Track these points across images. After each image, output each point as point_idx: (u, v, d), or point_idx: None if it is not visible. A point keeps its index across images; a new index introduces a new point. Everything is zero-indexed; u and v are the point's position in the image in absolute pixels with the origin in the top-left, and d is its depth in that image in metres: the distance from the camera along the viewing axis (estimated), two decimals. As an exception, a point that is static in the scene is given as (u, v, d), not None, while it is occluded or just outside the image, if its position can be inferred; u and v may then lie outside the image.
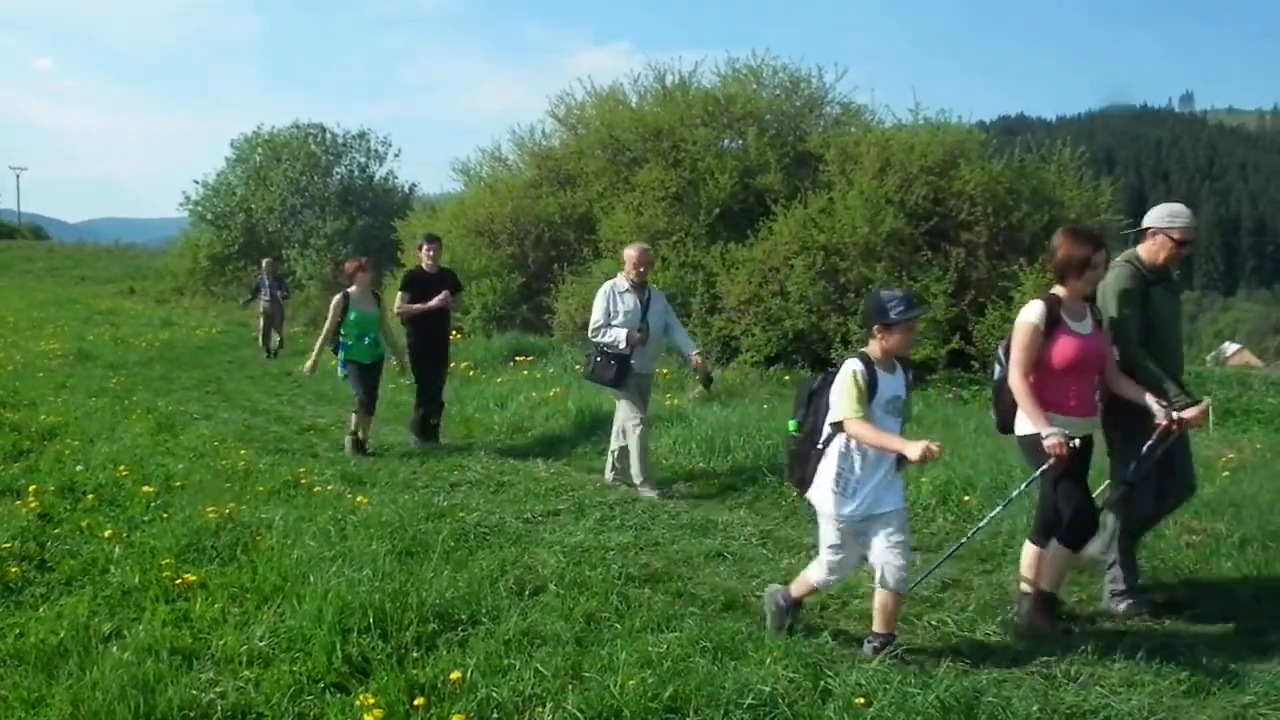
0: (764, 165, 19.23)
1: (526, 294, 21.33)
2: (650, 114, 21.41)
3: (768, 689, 4.63)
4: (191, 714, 4.47)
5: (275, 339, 21.58)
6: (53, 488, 8.29)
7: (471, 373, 16.00)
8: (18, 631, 5.32)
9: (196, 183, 37.00)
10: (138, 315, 29.51)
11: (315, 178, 34.75)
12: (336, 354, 11.11)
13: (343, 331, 10.96)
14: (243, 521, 7.36)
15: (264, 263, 22.89)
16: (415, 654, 5.05)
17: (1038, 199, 17.07)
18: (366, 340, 10.99)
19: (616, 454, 9.43)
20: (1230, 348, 67.66)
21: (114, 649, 5.05)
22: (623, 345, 9.04)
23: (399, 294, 11.32)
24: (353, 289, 11.07)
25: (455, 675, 4.71)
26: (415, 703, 4.47)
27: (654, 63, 33.73)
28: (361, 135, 36.17)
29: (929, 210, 16.81)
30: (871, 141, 18.05)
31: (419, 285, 11.31)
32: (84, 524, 7.28)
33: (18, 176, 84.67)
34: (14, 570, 6.20)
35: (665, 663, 4.88)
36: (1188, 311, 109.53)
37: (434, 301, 11.08)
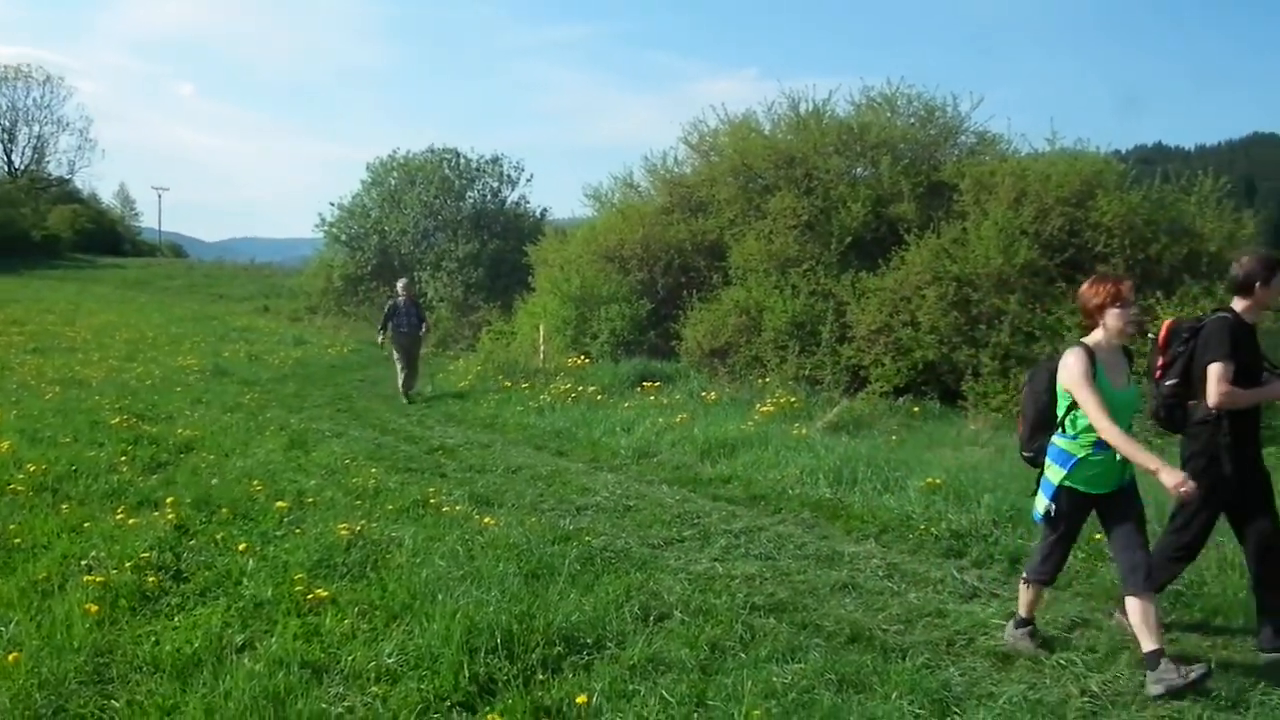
0: (897, 194, 19.07)
1: (655, 320, 21.39)
2: (783, 142, 21.38)
3: (892, 724, 4.62)
4: (321, 727, 4.58)
5: (414, 381, 18.57)
6: (189, 500, 8.54)
7: (599, 397, 16.09)
8: (154, 640, 5.48)
9: (332, 204, 37.92)
10: (271, 333, 30.24)
11: (448, 201, 35.31)
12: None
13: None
14: (372, 539, 7.51)
15: (399, 283, 19.50)
16: (541, 676, 5.11)
17: (1176, 231, 16.62)
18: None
19: None
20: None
21: (246, 660, 5.19)
22: None
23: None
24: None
25: (581, 699, 4.77)
26: (541, 725, 4.53)
27: (788, 90, 33.77)
28: (494, 160, 36.69)
29: (1064, 242, 16.48)
30: (1007, 171, 17.76)
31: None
32: (218, 536, 7.46)
33: (159, 197, 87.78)
34: (151, 579, 6.39)
35: (790, 694, 4.90)
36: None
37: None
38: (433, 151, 36.69)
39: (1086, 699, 5.16)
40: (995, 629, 6.13)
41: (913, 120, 20.96)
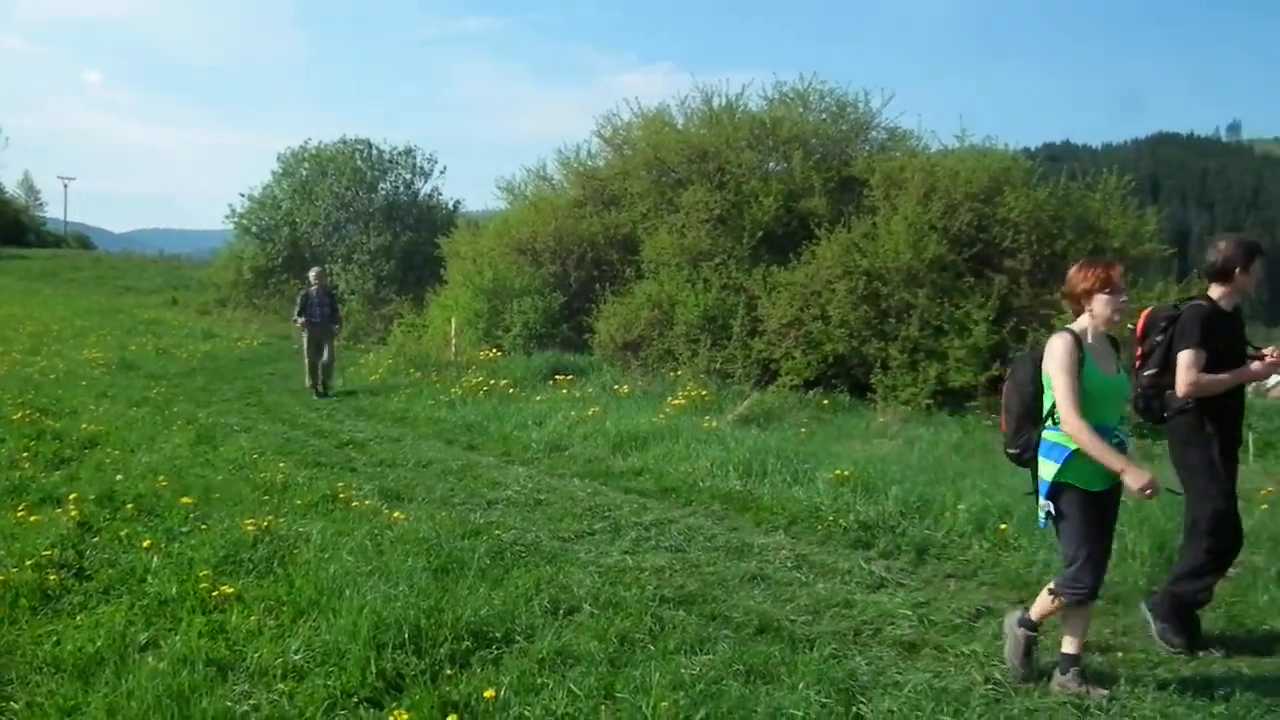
0: (808, 189, 19.26)
1: (567, 313, 21.41)
2: (696, 136, 21.53)
3: (800, 714, 4.65)
4: (226, 725, 4.50)
5: (325, 374, 17.89)
6: (92, 497, 8.35)
7: (511, 391, 16.01)
8: (55, 639, 5.36)
9: (242, 195, 37.43)
10: (180, 326, 29.77)
11: (360, 193, 35.05)
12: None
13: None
14: (280, 535, 7.38)
15: (312, 272, 18.73)
16: (449, 671, 5.06)
17: (1081, 227, 16.97)
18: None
19: None
20: (1274, 379, 66.85)
21: (150, 659, 5.08)
22: None
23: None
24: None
25: (489, 693, 4.72)
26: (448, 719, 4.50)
27: (701, 85, 33.91)
28: (407, 152, 36.48)
29: (972, 237, 16.76)
30: (916, 167, 18.03)
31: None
32: (123, 533, 7.30)
33: (65, 186, 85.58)
34: (53, 578, 6.24)
35: (698, 685, 4.89)
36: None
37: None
38: (345, 142, 36.43)
39: (990, 686, 5.20)
40: (902, 618, 6.17)
41: (824, 116, 21.21)
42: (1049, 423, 5.18)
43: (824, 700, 4.81)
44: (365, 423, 14.46)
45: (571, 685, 4.87)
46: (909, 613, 6.24)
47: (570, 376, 16.94)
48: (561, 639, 5.49)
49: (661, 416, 13.09)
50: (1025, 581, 7.03)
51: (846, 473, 9.46)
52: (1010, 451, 5.49)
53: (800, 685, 4.97)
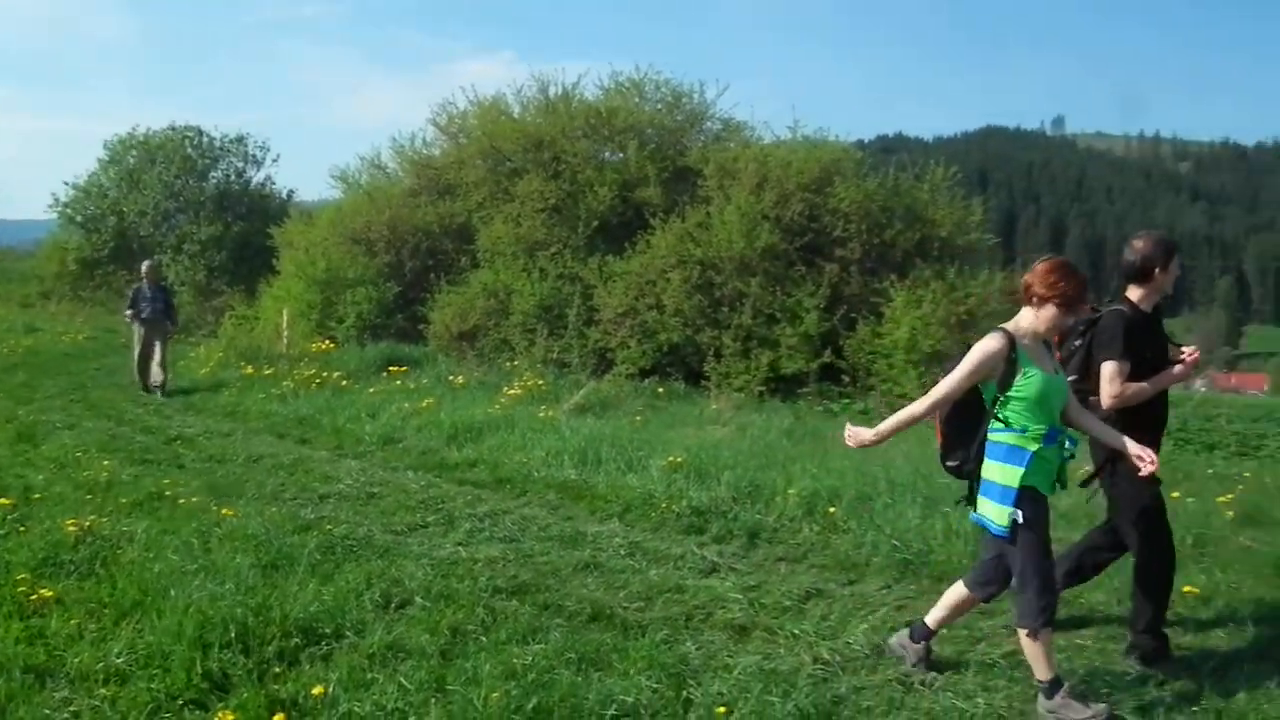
0: (644, 179, 19.36)
1: (402, 303, 21.15)
2: (532, 125, 21.45)
3: (631, 699, 4.67)
4: (44, 733, 4.35)
5: (158, 373, 16.59)
6: (-97, 499, 7.96)
7: (344, 383, 15.73)
8: None
9: (66, 184, 35.94)
10: (0, 320, 28.52)
11: (190, 182, 34.01)
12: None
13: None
14: (103, 535, 7.13)
15: (144, 266, 17.61)
16: (277, 669, 4.96)
17: (910, 217, 17.44)
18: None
19: None
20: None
21: (-38, 668, 4.88)
22: None
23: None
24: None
25: (317, 690, 4.65)
26: (275, 719, 4.41)
27: (537, 73, 33.82)
28: (239, 139, 35.47)
29: (804, 226, 17.08)
30: (749, 157, 18.28)
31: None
32: (-65, 537, 6.98)
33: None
34: None
35: (529, 675, 4.87)
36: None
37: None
38: (174, 129, 35.23)
39: (819, 666, 5.31)
40: (733, 602, 6.24)
41: (660, 106, 21.32)
42: (998, 425, 4.91)
43: (655, 686, 4.85)
44: (195, 418, 14.06)
45: (402, 679, 4.82)
46: (740, 596, 6.32)
47: (405, 368, 16.76)
48: (393, 633, 5.43)
49: (497, 407, 13.03)
50: (854, 563, 7.19)
51: (680, 459, 9.53)
52: (949, 464, 5.15)
53: (632, 671, 5.00)
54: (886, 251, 17.06)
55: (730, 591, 6.44)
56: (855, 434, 5.09)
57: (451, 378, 15.75)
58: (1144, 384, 5.40)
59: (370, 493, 9.36)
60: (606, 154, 20.99)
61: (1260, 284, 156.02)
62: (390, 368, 16.82)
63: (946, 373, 4.99)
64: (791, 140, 19.19)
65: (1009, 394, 4.84)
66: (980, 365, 4.83)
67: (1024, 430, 4.83)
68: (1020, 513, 4.78)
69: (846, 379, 15.80)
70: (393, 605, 6.01)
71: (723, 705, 4.62)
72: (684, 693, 4.83)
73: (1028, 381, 4.81)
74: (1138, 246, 5.59)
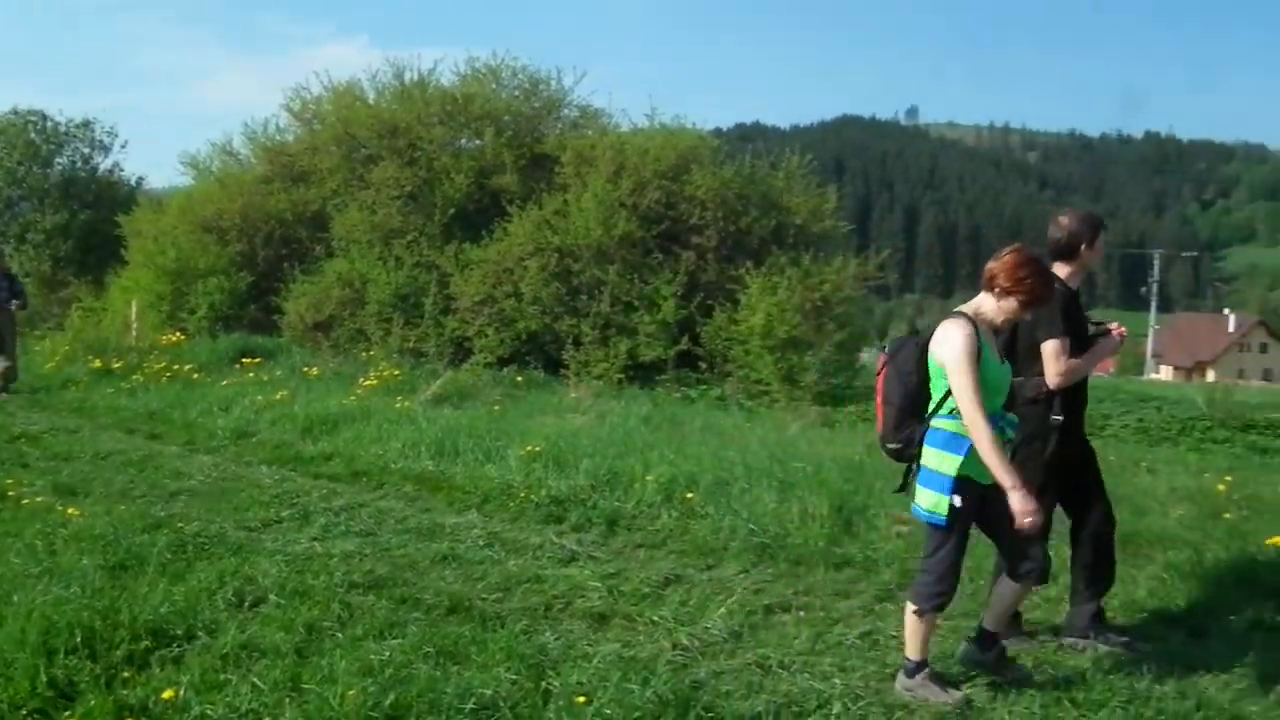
0: (500, 166, 19.25)
1: (255, 293, 20.75)
2: (387, 111, 21.15)
3: (490, 692, 4.63)
4: None
5: (14, 369, 15.76)
6: None
7: (196, 376, 15.38)
8: None
9: (-103, 170, 34.40)
10: None
11: (34, 168, 32.79)
12: None
13: None
14: (-62, 540, 6.88)
15: None
16: (126, 674, 4.80)
17: (766, 204, 17.67)
18: None
19: None
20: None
21: None
22: None
23: None
24: None
25: (168, 694, 4.51)
26: (125, 725, 4.28)
27: (393, 59, 33.32)
28: (85, 125, 34.25)
29: (661, 214, 17.18)
30: (606, 145, 18.32)
31: None
32: None
33: None
34: None
35: (387, 670, 4.81)
36: (906, 314, 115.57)
37: None
38: (16, 113, 33.84)
39: (678, 652, 5.34)
40: (592, 590, 6.25)
41: (517, 93, 21.21)
42: (942, 412, 4.81)
43: (514, 677, 4.82)
44: (39, 414, 13.59)
45: (256, 679, 4.70)
46: (599, 584, 6.33)
47: (258, 359, 16.46)
48: (246, 632, 5.30)
49: (353, 398, 12.88)
50: (712, 548, 7.26)
51: (539, 449, 9.53)
52: (890, 446, 5.02)
53: (490, 664, 4.97)
54: (743, 239, 17.26)
55: (589, 580, 6.45)
56: (1025, 512, 4.63)
57: (306, 369, 15.52)
58: (1079, 360, 5.40)
59: (223, 488, 9.17)
60: (463, 141, 20.83)
61: (1104, 270, 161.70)
62: (243, 360, 16.47)
63: (893, 365, 4.98)
64: (649, 128, 19.27)
65: None
66: (972, 353, 4.67)
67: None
68: (958, 499, 4.71)
69: (704, 365, 16.00)
70: (246, 604, 5.86)
71: (582, 695, 4.62)
72: (543, 683, 4.82)
73: (984, 369, 4.72)
74: (1064, 223, 5.56)
